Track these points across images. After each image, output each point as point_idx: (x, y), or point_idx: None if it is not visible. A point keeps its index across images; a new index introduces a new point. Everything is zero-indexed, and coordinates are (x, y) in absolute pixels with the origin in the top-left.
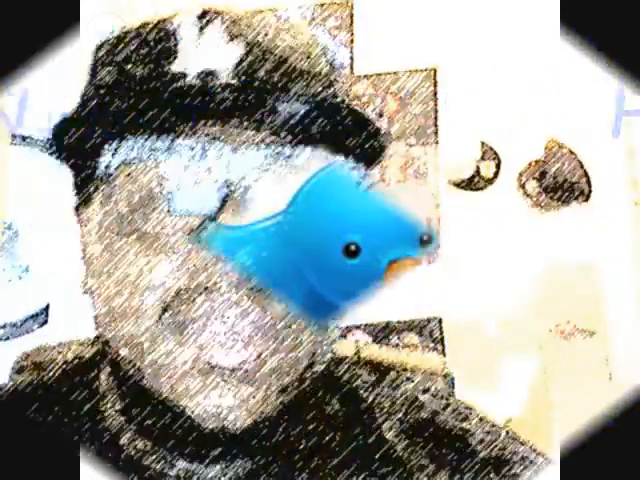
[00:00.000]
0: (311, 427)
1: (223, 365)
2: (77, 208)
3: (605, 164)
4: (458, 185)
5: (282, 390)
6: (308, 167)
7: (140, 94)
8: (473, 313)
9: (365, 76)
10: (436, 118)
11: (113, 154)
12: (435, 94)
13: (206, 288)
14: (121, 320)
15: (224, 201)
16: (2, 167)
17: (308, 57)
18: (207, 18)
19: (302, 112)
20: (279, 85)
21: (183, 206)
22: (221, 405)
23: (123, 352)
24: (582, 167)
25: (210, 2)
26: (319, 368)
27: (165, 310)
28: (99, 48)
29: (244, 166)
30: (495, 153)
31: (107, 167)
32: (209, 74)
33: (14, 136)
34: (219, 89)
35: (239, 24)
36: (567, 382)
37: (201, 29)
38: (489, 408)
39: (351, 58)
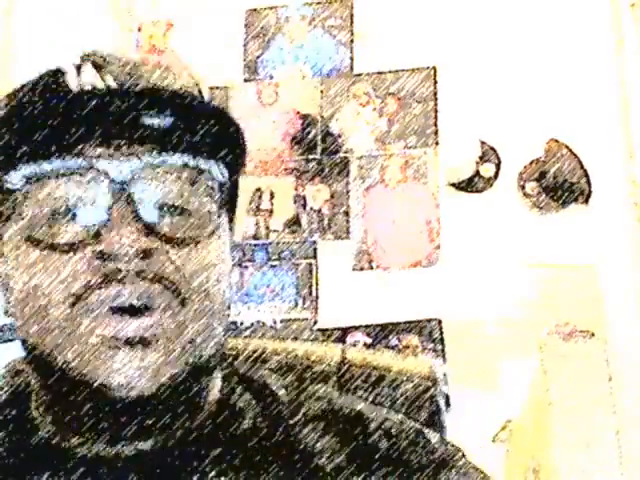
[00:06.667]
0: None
1: (127, 336)
2: None
3: (605, 164)
4: (458, 186)
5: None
6: (185, 169)
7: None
8: (473, 314)
9: (366, 75)
10: (436, 118)
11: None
12: (435, 94)
13: (110, 279)
14: (36, 319)
15: (114, 198)
16: None
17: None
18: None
19: (169, 124)
20: (147, 101)
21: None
22: (127, 372)
23: (41, 348)
24: (582, 167)
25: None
26: (213, 344)
27: (74, 303)
28: None
29: (127, 171)
30: (495, 153)
31: (9, 189)
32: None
33: None
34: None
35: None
36: (567, 383)
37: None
38: (489, 409)
39: (351, 58)
